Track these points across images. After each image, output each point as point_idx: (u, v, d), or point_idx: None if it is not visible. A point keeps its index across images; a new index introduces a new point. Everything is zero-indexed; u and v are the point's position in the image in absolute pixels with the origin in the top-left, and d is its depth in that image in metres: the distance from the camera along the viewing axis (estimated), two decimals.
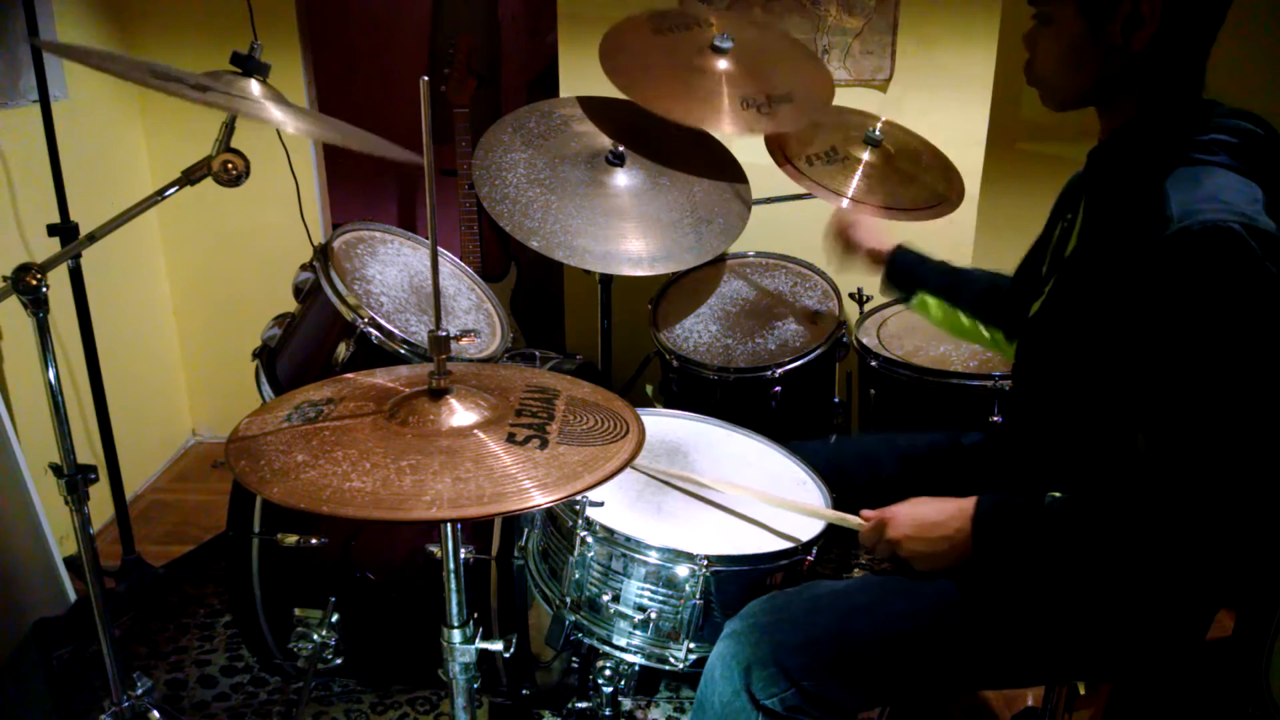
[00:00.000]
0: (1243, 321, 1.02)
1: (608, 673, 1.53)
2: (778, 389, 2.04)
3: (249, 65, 1.48)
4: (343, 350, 1.75)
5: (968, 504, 1.23)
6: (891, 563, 1.30)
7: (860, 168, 2.11)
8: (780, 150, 2.14)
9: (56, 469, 1.42)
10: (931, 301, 1.70)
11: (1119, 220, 1.18)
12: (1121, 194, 1.19)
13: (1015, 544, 1.19)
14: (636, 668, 1.53)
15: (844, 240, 1.85)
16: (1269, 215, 1.05)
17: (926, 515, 1.26)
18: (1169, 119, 1.17)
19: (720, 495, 1.50)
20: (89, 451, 2.44)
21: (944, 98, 2.59)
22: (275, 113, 1.40)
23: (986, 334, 1.64)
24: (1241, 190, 1.07)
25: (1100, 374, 1.17)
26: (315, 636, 1.68)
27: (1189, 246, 1.02)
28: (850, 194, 2.06)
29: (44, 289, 1.34)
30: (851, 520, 1.36)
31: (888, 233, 1.82)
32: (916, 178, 2.16)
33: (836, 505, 1.48)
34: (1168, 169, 1.12)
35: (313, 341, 1.85)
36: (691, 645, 1.35)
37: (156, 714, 1.60)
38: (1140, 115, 1.20)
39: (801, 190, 2.15)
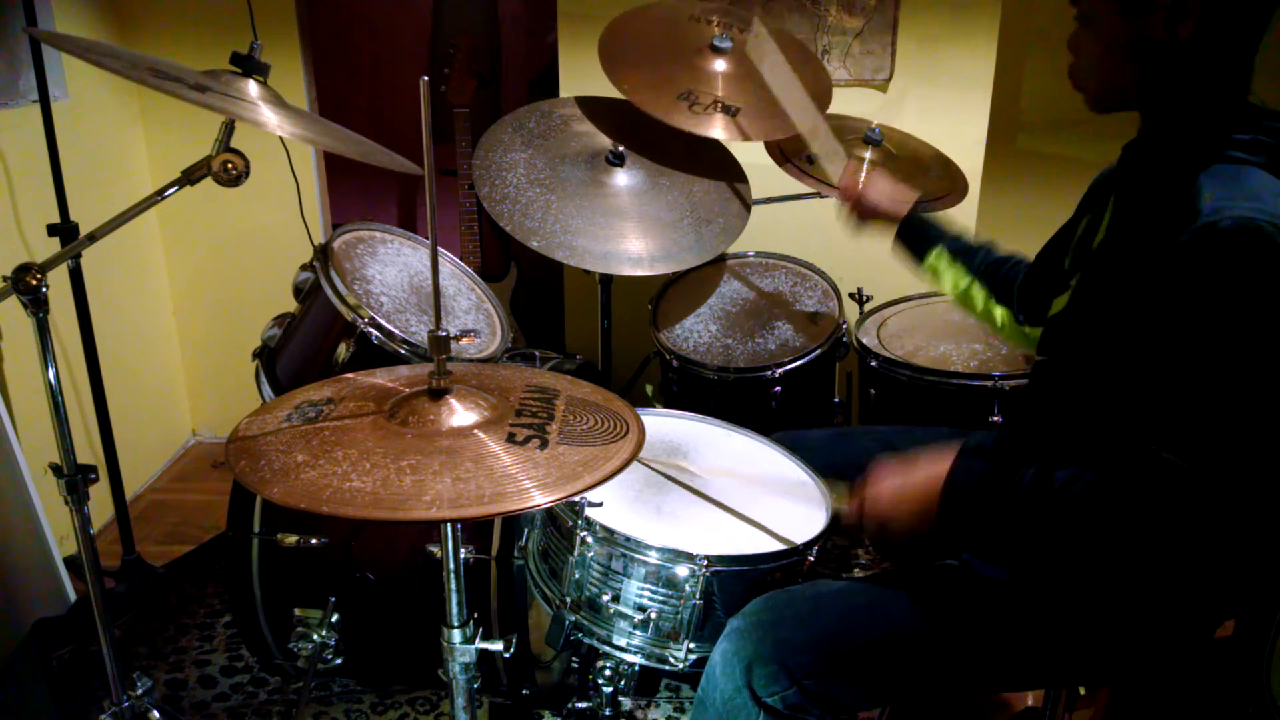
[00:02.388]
0: (1267, 320, 1.01)
1: (608, 673, 1.53)
2: (778, 389, 2.04)
3: (249, 65, 1.48)
4: (343, 350, 1.75)
5: (939, 469, 1.22)
6: (886, 543, 1.30)
7: (864, 165, 2.11)
8: (779, 150, 2.15)
9: (56, 469, 1.42)
10: (944, 265, 1.62)
11: (1149, 215, 1.15)
12: (1153, 189, 1.17)
13: (979, 513, 1.20)
14: (636, 668, 1.53)
15: (856, 203, 1.71)
16: None
17: (897, 487, 1.26)
18: (1210, 116, 1.15)
19: (718, 492, 1.51)
20: (89, 451, 2.44)
21: (944, 98, 2.59)
22: (272, 118, 1.40)
23: (997, 313, 1.60)
24: (1274, 189, 1.06)
25: (1122, 368, 1.15)
26: (315, 636, 1.68)
27: (1217, 242, 1.01)
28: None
29: (44, 289, 1.34)
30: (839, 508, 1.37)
31: (902, 195, 1.70)
32: (920, 173, 2.16)
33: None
34: (1204, 166, 1.10)
35: (313, 341, 1.85)
36: (691, 645, 1.35)
37: (156, 714, 1.60)
38: (1180, 111, 1.17)
39: (802, 190, 2.15)
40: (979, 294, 1.61)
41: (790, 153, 2.14)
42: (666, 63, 2.06)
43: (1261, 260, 1.00)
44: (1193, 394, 1.05)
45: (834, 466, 1.56)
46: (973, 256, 1.62)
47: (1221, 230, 1.01)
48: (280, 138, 1.45)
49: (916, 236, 1.66)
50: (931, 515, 1.22)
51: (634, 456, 1.06)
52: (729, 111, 2.00)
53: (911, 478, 1.25)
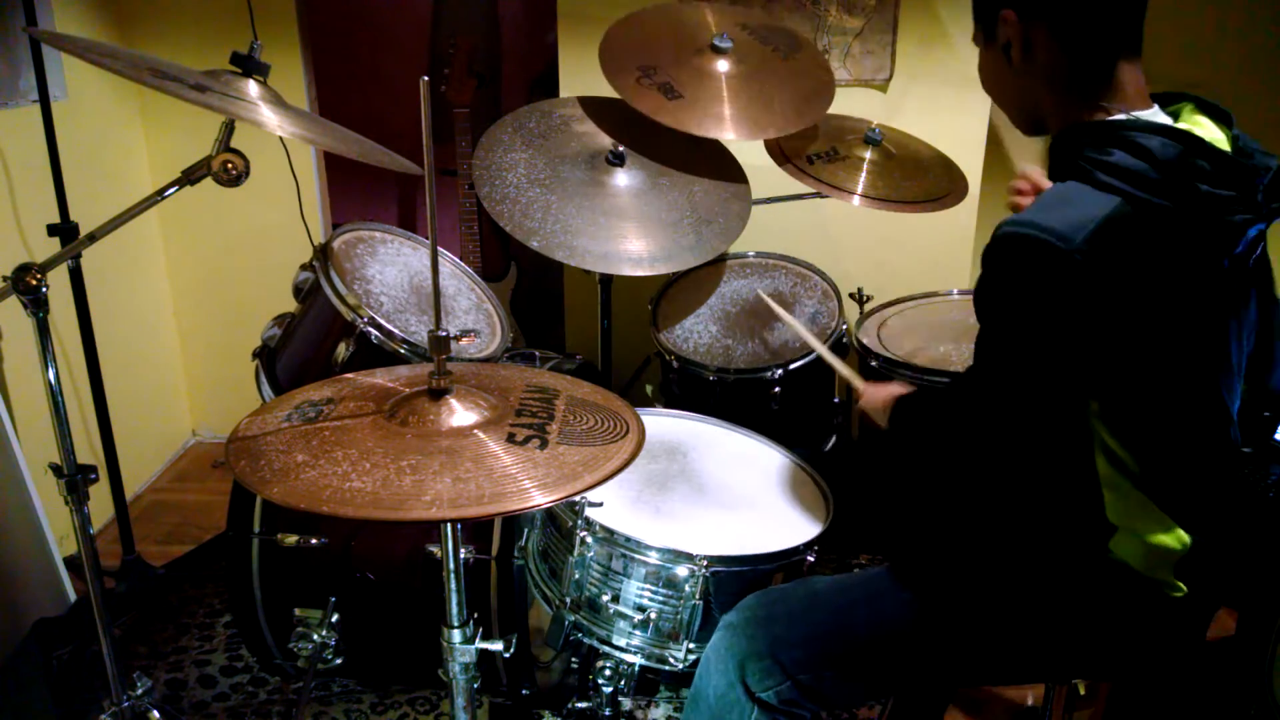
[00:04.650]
0: (1017, 309, 1.11)
1: (608, 673, 1.53)
2: (777, 389, 2.04)
3: (249, 65, 1.48)
4: (343, 350, 1.75)
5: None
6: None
7: (864, 165, 2.11)
8: (779, 149, 2.14)
9: (56, 469, 1.42)
10: None
11: None
12: None
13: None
14: (636, 668, 1.53)
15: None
16: (1131, 230, 1.05)
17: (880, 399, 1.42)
18: (1074, 138, 1.15)
19: (717, 491, 1.50)
20: (89, 451, 2.44)
21: (944, 98, 2.59)
22: (272, 118, 1.40)
23: None
24: (1082, 209, 1.06)
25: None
26: (315, 636, 1.68)
27: (991, 246, 1.11)
28: (859, 190, 2.07)
29: (44, 289, 1.34)
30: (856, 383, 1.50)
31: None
32: (920, 173, 2.17)
33: (837, 506, 1.48)
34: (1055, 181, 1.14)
35: (313, 341, 1.85)
36: (691, 645, 1.35)
37: (156, 714, 1.60)
38: (1057, 135, 1.19)
39: (802, 190, 2.15)
40: None
41: (790, 152, 2.14)
42: (664, 39, 2.07)
43: (1015, 263, 1.08)
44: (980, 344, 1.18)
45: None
46: None
47: (996, 237, 1.09)
48: (281, 138, 1.45)
49: None
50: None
51: (634, 456, 1.06)
52: (667, 93, 2.00)
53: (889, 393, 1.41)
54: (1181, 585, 1.20)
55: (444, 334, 1.08)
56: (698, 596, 1.32)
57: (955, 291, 2.34)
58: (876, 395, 1.42)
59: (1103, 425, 1.16)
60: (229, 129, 1.41)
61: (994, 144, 2.64)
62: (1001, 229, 1.10)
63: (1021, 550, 1.28)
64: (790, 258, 2.42)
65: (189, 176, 1.40)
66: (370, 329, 1.73)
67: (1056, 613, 1.24)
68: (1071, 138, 1.15)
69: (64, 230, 2.12)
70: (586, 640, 1.41)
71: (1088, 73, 1.14)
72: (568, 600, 1.40)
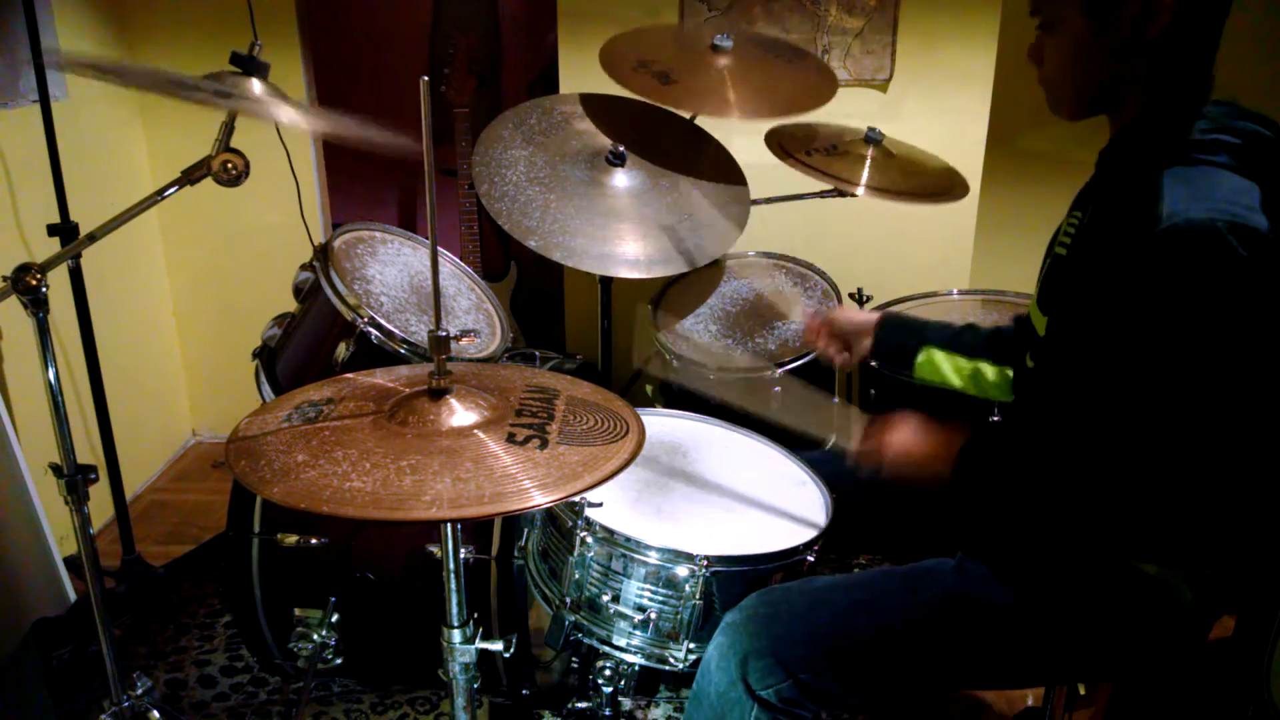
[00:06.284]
0: (1212, 321, 1.02)
1: (608, 673, 1.53)
2: (778, 389, 2.04)
3: (249, 65, 1.48)
4: (343, 350, 1.75)
5: (953, 445, 1.26)
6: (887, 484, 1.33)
7: (867, 159, 2.11)
8: (779, 145, 2.14)
9: (56, 469, 1.42)
10: (940, 356, 1.56)
11: (1115, 219, 1.16)
12: (1122, 193, 1.17)
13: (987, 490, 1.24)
14: (636, 668, 1.53)
15: (833, 340, 1.69)
16: (1265, 215, 1.04)
17: (915, 449, 1.28)
18: (1174, 117, 1.15)
19: (717, 491, 1.50)
20: (89, 451, 2.44)
21: (944, 97, 2.59)
22: (284, 112, 1.40)
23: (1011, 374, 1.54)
24: (1236, 188, 1.06)
25: (1080, 365, 1.16)
26: (315, 636, 1.68)
27: (1173, 244, 1.02)
28: (863, 181, 2.06)
29: (44, 289, 1.34)
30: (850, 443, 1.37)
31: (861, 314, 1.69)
32: (920, 171, 2.17)
33: (837, 507, 1.48)
34: (1167, 167, 1.10)
35: (313, 341, 1.85)
36: (691, 645, 1.35)
37: (156, 714, 1.60)
38: (1145, 113, 1.18)
39: (802, 190, 2.15)
40: (989, 368, 1.54)
41: (790, 148, 2.14)
42: (666, 36, 2.07)
43: (1213, 260, 1.01)
44: (1124, 376, 1.06)
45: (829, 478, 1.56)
46: (963, 338, 1.57)
47: (1180, 231, 1.01)
48: (280, 138, 1.45)
49: (900, 337, 1.61)
50: (943, 469, 1.23)
51: (634, 456, 1.06)
52: (663, 79, 2.00)
53: (932, 431, 1.28)
54: (1189, 592, 1.20)
55: (444, 334, 1.08)
56: (698, 596, 1.32)
57: (955, 291, 2.34)
58: (909, 441, 1.28)
59: None
60: (229, 128, 1.41)
61: (994, 144, 2.64)
62: (1187, 218, 1.01)
63: (1038, 557, 1.27)
64: (790, 258, 2.42)
65: (189, 176, 1.40)
66: (370, 329, 1.73)
67: (1070, 619, 1.23)
68: (1174, 121, 1.13)
69: (64, 230, 2.12)
70: (586, 640, 1.41)
71: (1204, 62, 1.16)
72: (568, 600, 1.40)
